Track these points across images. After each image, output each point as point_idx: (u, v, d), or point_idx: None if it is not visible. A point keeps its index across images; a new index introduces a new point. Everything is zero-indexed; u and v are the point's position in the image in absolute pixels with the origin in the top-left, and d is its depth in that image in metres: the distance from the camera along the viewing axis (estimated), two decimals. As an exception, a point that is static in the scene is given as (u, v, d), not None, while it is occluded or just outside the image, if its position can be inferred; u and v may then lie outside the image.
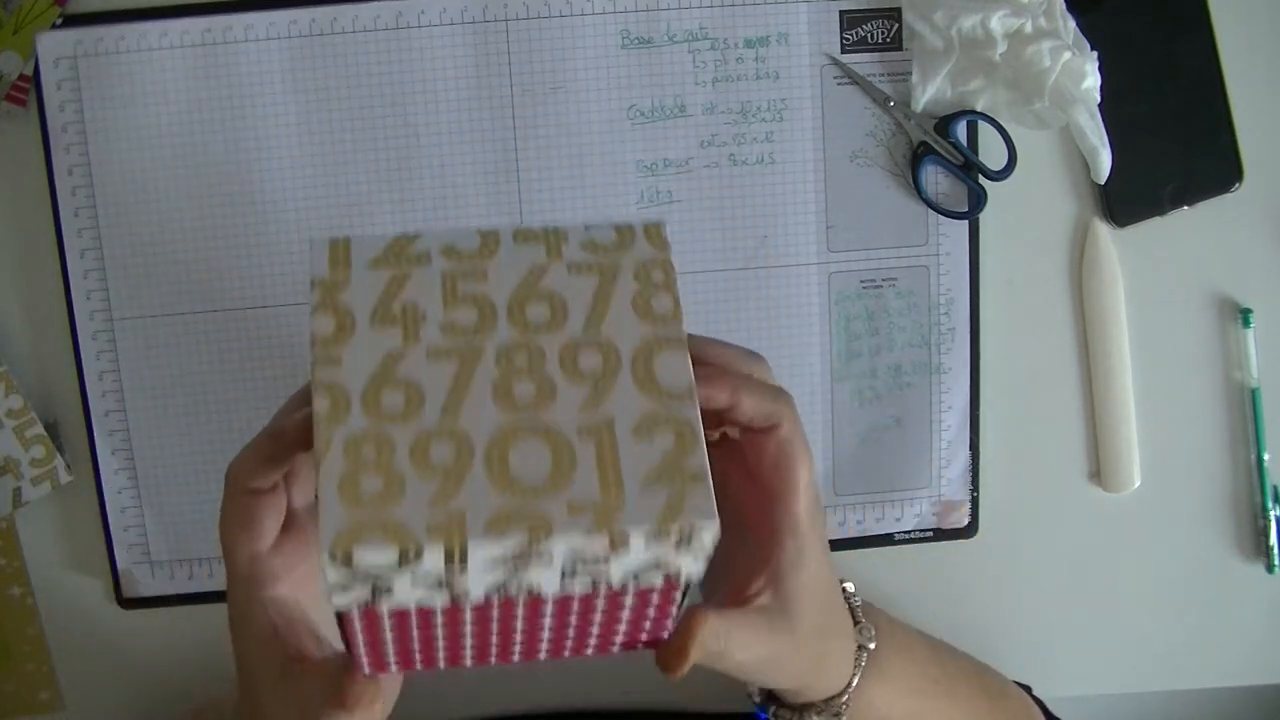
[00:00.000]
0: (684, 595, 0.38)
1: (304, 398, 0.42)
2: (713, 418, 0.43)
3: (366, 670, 0.39)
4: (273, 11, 0.60)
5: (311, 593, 0.45)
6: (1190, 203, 0.64)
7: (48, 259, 0.62)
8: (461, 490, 0.33)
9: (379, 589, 0.34)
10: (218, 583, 0.65)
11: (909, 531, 0.67)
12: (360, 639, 0.37)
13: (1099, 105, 0.60)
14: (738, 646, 0.42)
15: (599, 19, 0.61)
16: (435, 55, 0.61)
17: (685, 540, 0.34)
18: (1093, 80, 0.59)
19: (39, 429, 0.62)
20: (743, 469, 0.45)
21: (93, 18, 0.60)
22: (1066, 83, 0.58)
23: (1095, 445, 0.67)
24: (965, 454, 0.66)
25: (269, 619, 0.44)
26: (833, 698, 0.49)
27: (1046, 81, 0.58)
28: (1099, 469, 0.67)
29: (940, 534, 0.67)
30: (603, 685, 0.68)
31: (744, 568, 0.46)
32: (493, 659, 0.40)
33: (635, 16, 0.62)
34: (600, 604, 0.37)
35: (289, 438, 0.41)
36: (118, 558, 0.64)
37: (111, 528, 0.64)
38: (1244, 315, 0.66)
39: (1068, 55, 0.58)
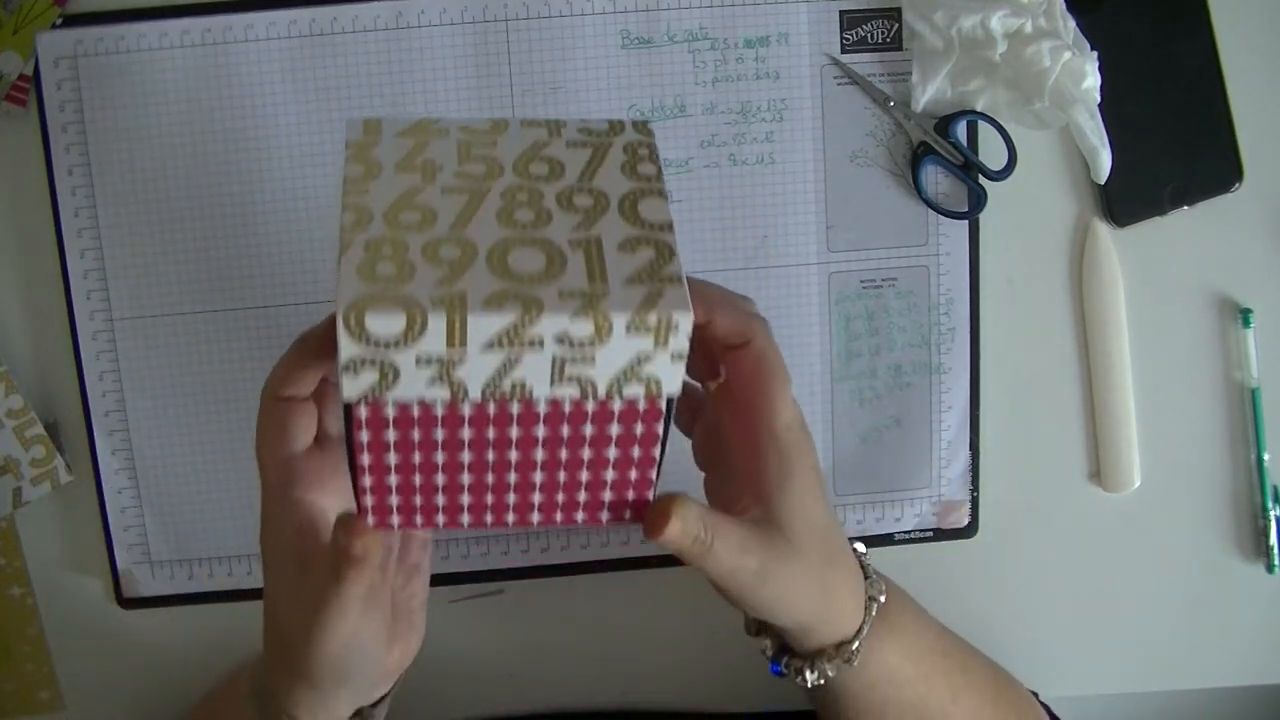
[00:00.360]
0: (666, 430, 0.40)
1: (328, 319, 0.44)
2: (707, 364, 0.46)
3: (371, 521, 0.41)
4: (273, 11, 0.60)
5: (336, 505, 0.46)
6: (1190, 203, 0.64)
7: (48, 259, 0.62)
8: (464, 277, 0.37)
9: (385, 372, 0.37)
10: (218, 583, 0.65)
11: (909, 531, 0.67)
12: (365, 462, 0.40)
13: (1099, 105, 0.60)
14: (727, 548, 0.43)
15: (599, 19, 0.61)
16: (435, 55, 0.61)
17: (664, 333, 0.37)
18: (1093, 80, 0.59)
19: (39, 429, 0.62)
20: (733, 412, 0.46)
21: (93, 18, 0.60)
22: (1066, 83, 0.58)
23: (1095, 445, 0.67)
24: (965, 454, 0.66)
25: (293, 519, 0.45)
26: (844, 644, 0.49)
27: (1046, 81, 0.58)
28: (1099, 469, 0.67)
29: (940, 534, 0.67)
30: (602, 686, 0.68)
31: (734, 492, 0.47)
32: (488, 518, 0.42)
33: (635, 16, 0.62)
34: (588, 430, 0.40)
35: (316, 341, 0.43)
36: (118, 558, 0.64)
37: (111, 528, 0.64)
38: (1244, 315, 0.66)
39: (1068, 55, 0.58)
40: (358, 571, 0.41)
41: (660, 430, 0.40)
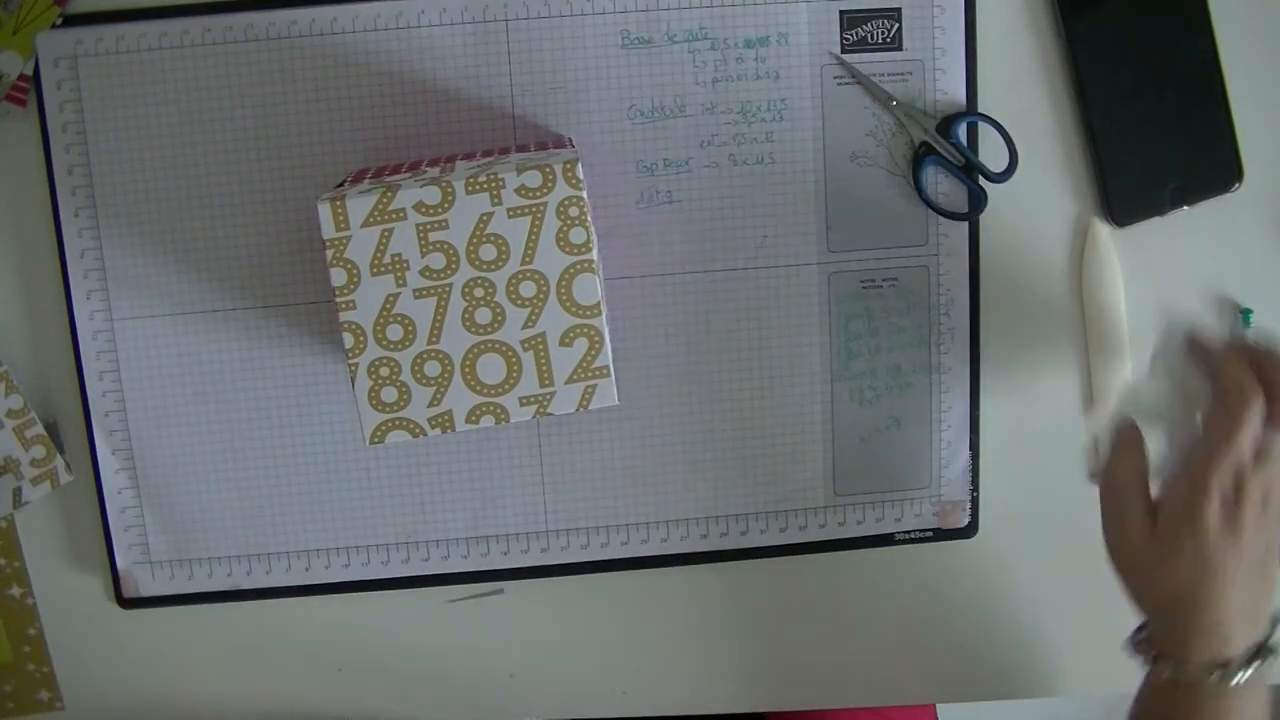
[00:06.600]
0: None
1: None
2: None
3: None
4: (273, 11, 0.60)
5: None
6: (1190, 203, 0.64)
7: (48, 259, 0.62)
8: (448, 394, 0.50)
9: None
10: (218, 583, 0.65)
11: (909, 531, 0.67)
12: None
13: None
14: (1123, 464, 0.57)
15: (599, 19, 0.61)
16: (435, 55, 0.61)
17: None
18: None
19: (39, 429, 0.62)
20: None
21: (93, 18, 0.60)
22: None
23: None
24: (965, 454, 0.66)
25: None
26: (1183, 662, 0.55)
27: None
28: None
29: (940, 534, 0.67)
30: (602, 686, 0.68)
31: None
32: None
33: (635, 16, 0.62)
34: None
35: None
36: (118, 558, 0.64)
37: (111, 528, 0.64)
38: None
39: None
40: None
41: None
